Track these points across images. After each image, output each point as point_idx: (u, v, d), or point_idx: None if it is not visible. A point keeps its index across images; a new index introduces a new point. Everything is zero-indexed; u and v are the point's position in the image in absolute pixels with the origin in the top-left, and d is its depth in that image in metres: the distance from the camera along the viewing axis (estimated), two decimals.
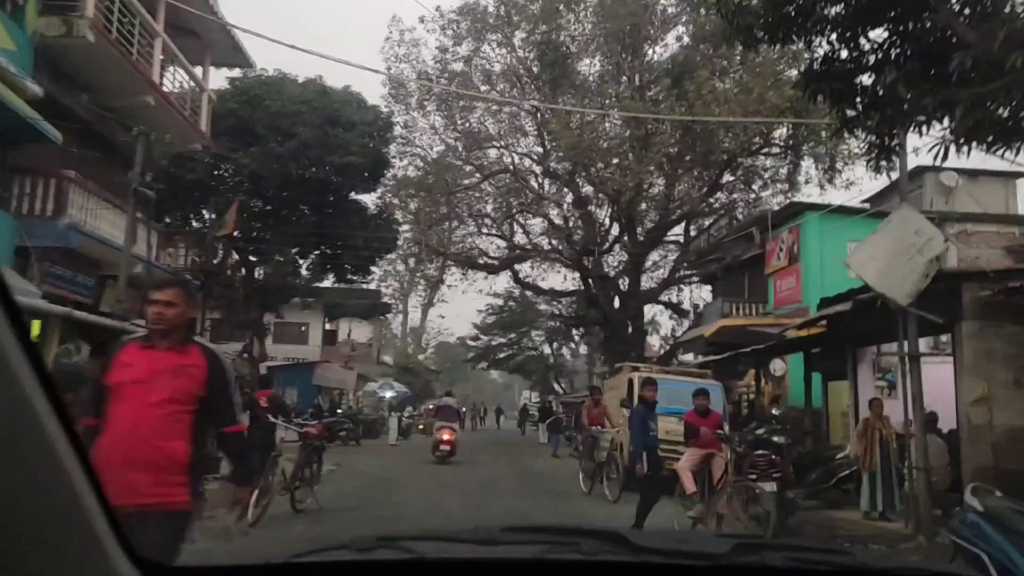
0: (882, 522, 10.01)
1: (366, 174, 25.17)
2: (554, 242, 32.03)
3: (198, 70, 18.55)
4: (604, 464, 12.99)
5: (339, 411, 32.12)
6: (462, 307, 64.19)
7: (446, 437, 20.25)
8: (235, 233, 18.91)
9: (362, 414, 33.77)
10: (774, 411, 15.51)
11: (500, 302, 51.34)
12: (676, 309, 34.40)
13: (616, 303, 32.57)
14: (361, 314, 44.38)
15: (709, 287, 31.40)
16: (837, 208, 19.19)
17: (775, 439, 9.10)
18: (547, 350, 53.59)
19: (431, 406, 42.80)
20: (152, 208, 15.56)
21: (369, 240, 26.12)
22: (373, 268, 28.99)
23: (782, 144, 27.02)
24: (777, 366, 17.36)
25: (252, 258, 25.36)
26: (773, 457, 8.49)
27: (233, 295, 21.56)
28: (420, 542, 1.50)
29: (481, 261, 32.69)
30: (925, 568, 1.85)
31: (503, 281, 49.87)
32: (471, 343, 52.88)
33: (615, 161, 28.44)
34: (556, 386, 54.17)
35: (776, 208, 23.61)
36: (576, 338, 53.62)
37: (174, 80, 18.25)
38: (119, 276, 13.30)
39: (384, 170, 26.24)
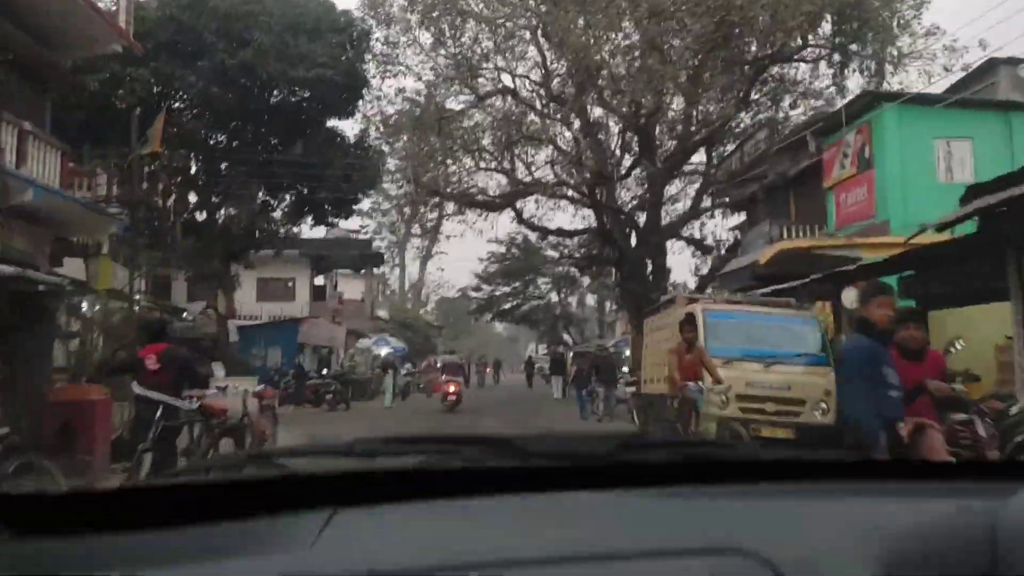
0: None
1: (342, 95, 21.38)
2: (561, 173, 28.38)
3: None
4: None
5: (326, 371, 28.98)
6: (462, 257, 60.51)
7: (452, 389, 23.15)
8: (162, 151, 15.20)
9: (354, 374, 30.47)
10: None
11: (502, 249, 47.80)
12: (699, 245, 30.78)
13: (633, 240, 29.07)
14: (351, 266, 40.86)
15: (742, 215, 27.76)
16: (917, 97, 15.44)
17: (960, 395, 5.47)
18: (554, 298, 50.06)
19: (434, 362, 39.71)
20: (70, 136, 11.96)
21: (349, 173, 22.44)
22: (357, 207, 25.18)
23: (824, 44, 23.20)
24: (850, 296, 13.83)
25: (214, 199, 21.71)
26: (976, 424, 5.05)
27: (173, 235, 17.97)
28: (295, 458, 1.44)
29: (480, 199, 29.01)
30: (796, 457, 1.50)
31: (505, 224, 46.57)
32: (473, 294, 49.37)
33: (627, 71, 24.74)
34: (566, 336, 50.82)
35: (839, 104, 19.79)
36: (585, 283, 50.18)
37: None
38: None
39: (362, 90, 22.39)
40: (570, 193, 30.56)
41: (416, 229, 60.76)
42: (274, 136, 21.82)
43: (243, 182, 21.17)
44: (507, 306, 49.10)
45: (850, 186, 15.89)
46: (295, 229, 25.08)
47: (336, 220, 25.27)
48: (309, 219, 25.06)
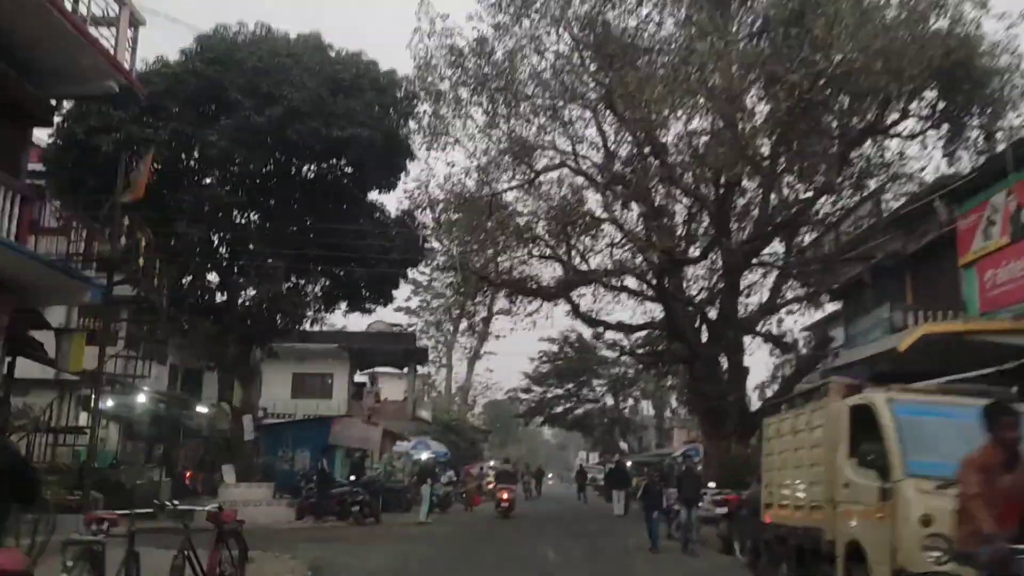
0: None
1: (383, 164, 19.15)
2: (624, 260, 25.54)
3: None
4: None
5: (363, 477, 25.77)
6: (511, 353, 57.39)
7: (506, 496, 24.19)
8: (143, 198, 12.69)
9: (391, 480, 27.17)
10: None
11: (555, 348, 44.70)
12: (778, 342, 27.29)
13: (703, 336, 25.83)
14: (394, 362, 38.15)
15: (825, 308, 24.39)
16: None
17: None
18: (610, 401, 46.30)
19: (478, 470, 36.27)
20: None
21: (390, 249, 19.96)
22: (402, 301, 22.56)
23: (927, 115, 20.42)
24: None
25: (236, 278, 19.32)
26: None
27: (161, 306, 15.32)
28: None
29: (533, 286, 26.21)
30: None
31: (559, 321, 43.36)
32: (523, 395, 45.97)
33: (698, 147, 22.19)
34: (622, 443, 46.77)
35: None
36: (642, 387, 46.48)
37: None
38: None
39: (406, 160, 20.14)
40: (632, 284, 27.70)
41: (464, 326, 58.77)
42: (306, 208, 19.53)
43: (269, 260, 18.74)
44: (559, 409, 45.58)
45: (1000, 259, 12.65)
46: (327, 315, 22.42)
47: (373, 306, 22.61)
48: (343, 305, 22.45)
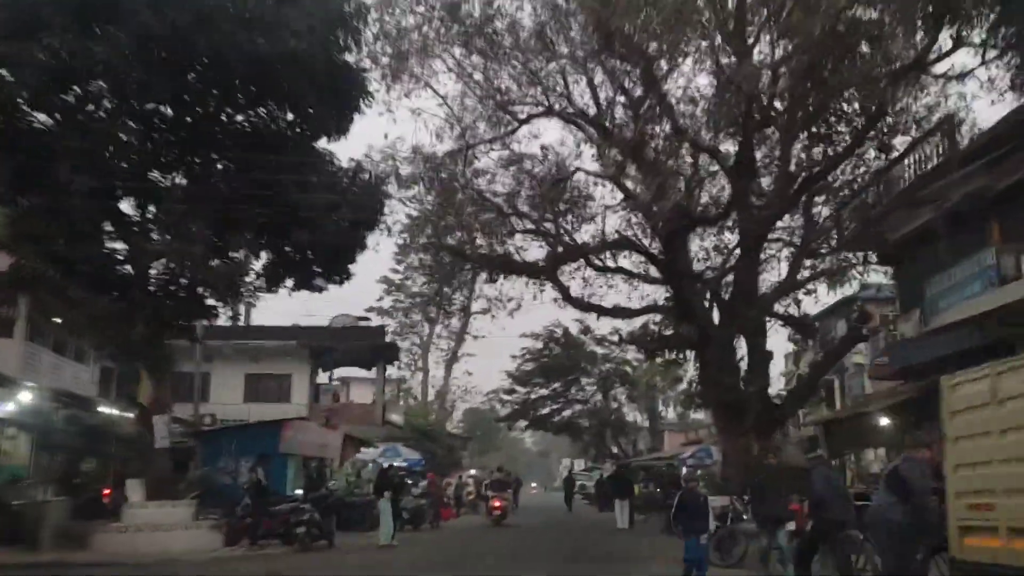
0: None
1: (328, 96, 15.34)
2: (624, 229, 21.83)
3: None
4: None
5: (319, 490, 21.88)
6: (492, 360, 53.38)
7: (497, 504, 23.78)
8: None
9: (353, 493, 23.25)
10: None
11: (539, 345, 40.91)
12: (799, 324, 23.72)
13: (715, 317, 22.23)
14: (361, 360, 34.14)
15: (877, 270, 20.85)
16: None
17: None
18: (600, 400, 42.42)
19: (463, 479, 32.66)
20: None
21: (341, 210, 16.18)
22: (354, 266, 18.63)
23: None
24: None
25: (147, 244, 15.36)
26: None
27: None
28: None
29: (518, 261, 22.43)
30: None
31: (544, 314, 39.69)
32: (505, 397, 42.04)
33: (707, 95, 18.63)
34: (615, 448, 42.99)
35: None
36: (627, 390, 42.79)
37: None
38: None
39: (359, 99, 16.36)
40: (628, 265, 24.03)
41: (439, 327, 54.66)
42: (235, 159, 15.64)
43: (185, 220, 14.82)
44: (545, 411, 41.72)
45: None
46: (269, 292, 18.41)
47: (326, 284, 18.69)
48: (290, 282, 18.53)
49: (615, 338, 24.38)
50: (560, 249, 22.22)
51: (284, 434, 22.93)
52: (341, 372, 40.26)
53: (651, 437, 44.64)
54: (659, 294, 25.06)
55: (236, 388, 32.59)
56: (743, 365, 21.91)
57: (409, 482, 26.53)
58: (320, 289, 19.12)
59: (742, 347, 21.96)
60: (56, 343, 20.94)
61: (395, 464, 27.74)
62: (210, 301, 16.48)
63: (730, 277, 22.63)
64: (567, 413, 42.05)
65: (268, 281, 18.42)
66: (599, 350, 40.45)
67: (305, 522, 15.66)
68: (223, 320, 22.13)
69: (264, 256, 17.88)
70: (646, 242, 22.38)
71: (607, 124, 20.41)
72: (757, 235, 20.06)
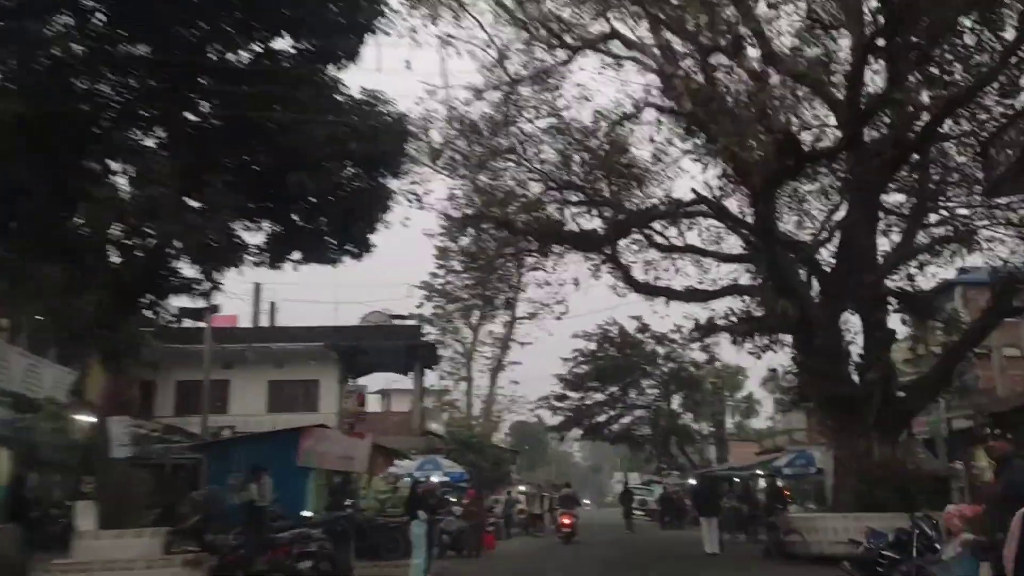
0: None
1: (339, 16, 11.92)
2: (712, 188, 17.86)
3: None
4: None
5: (346, 509, 18.43)
6: (540, 368, 49.15)
7: (567, 521, 23.30)
8: None
9: (387, 513, 19.62)
10: None
11: (592, 346, 37.00)
12: (915, 302, 19.43)
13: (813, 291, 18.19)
14: (395, 364, 30.62)
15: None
16: None
17: None
18: (662, 404, 38.19)
19: (512, 494, 28.99)
20: None
21: (357, 156, 12.69)
22: (372, 234, 14.99)
23: None
24: None
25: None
26: None
27: None
28: None
29: (568, 232, 18.64)
30: None
31: (596, 317, 35.59)
32: (556, 404, 38.00)
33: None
34: (683, 457, 38.66)
35: None
36: (694, 389, 38.46)
37: None
38: None
39: (375, 18, 12.91)
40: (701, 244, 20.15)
41: (484, 336, 50.89)
42: (216, 91, 12.24)
43: (152, 162, 11.45)
44: (601, 418, 37.66)
45: None
46: (273, 266, 14.91)
47: (340, 256, 15.12)
48: (296, 255, 15.04)
49: (689, 326, 20.16)
50: (621, 216, 18.39)
51: (303, 444, 19.35)
52: (379, 382, 36.97)
53: (717, 447, 40.19)
54: (737, 275, 21.16)
55: (259, 397, 29.32)
56: (852, 351, 17.91)
57: (452, 499, 22.85)
58: (333, 261, 15.54)
59: (850, 327, 17.98)
60: (33, 343, 17.74)
61: (434, 478, 24.10)
62: (190, 273, 12.98)
63: (831, 247, 18.68)
64: (626, 420, 37.94)
65: (272, 254, 14.98)
66: (660, 349, 36.49)
67: (312, 553, 12.01)
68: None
69: (260, 225, 14.48)
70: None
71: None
72: (876, 180, 15.96)
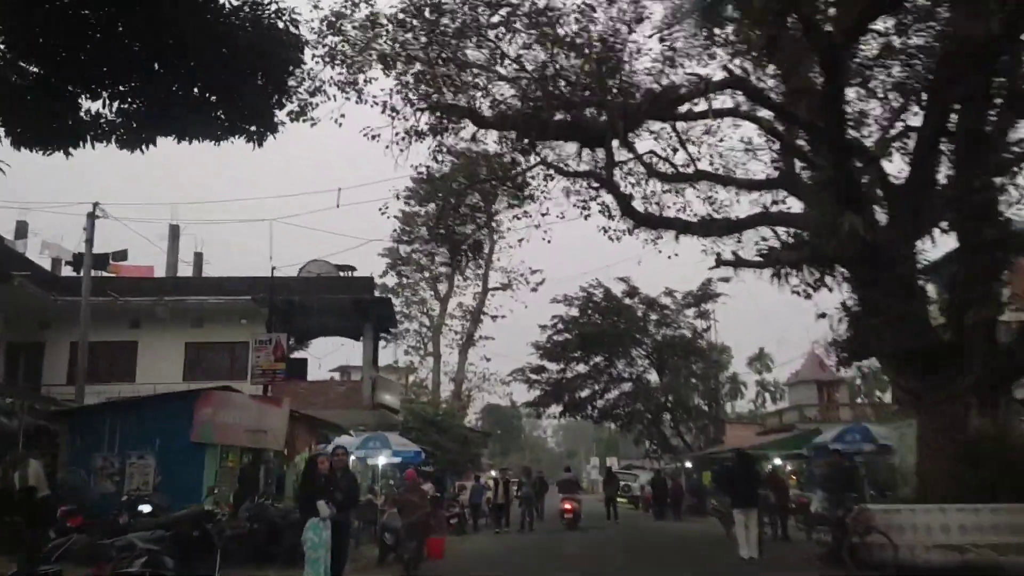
0: None
1: None
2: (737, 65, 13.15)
3: None
4: None
5: (257, 498, 13.76)
6: (513, 342, 44.07)
7: (568, 507, 22.06)
8: None
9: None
10: None
11: (575, 311, 32.26)
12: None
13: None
14: (342, 325, 25.57)
15: None
16: None
17: None
18: (654, 379, 33.45)
19: (481, 481, 24.42)
20: None
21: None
22: (284, 109, 9.98)
23: None
24: None
25: None
26: None
27: None
28: None
29: (556, 120, 13.79)
30: None
31: (572, 285, 30.68)
32: (533, 376, 33.16)
33: None
34: (676, 438, 34.07)
35: None
36: (695, 356, 33.88)
37: None
38: None
39: None
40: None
41: (453, 307, 46.06)
42: None
43: None
44: (584, 393, 32.90)
45: None
46: (135, 147, 9.85)
47: (234, 132, 10.09)
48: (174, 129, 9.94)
49: (712, 259, 15.41)
50: (630, 102, 13.55)
51: (199, 412, 14.46)
52: (336, 357, 31.66)
53: (713, 426, 35.68)
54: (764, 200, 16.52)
55: (174, 361, 24.25)
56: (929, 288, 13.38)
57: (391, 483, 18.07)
58: (220, 139, 10.46)
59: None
60: None
61: (381, 459, 19.27)
62: None
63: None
64: (612, 395, 33.27)
65: (139, 124, 9.83)
66: (652, 315, 31.89)
67: (130, 554, 7.13)
68: None
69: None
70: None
71: None
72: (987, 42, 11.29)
